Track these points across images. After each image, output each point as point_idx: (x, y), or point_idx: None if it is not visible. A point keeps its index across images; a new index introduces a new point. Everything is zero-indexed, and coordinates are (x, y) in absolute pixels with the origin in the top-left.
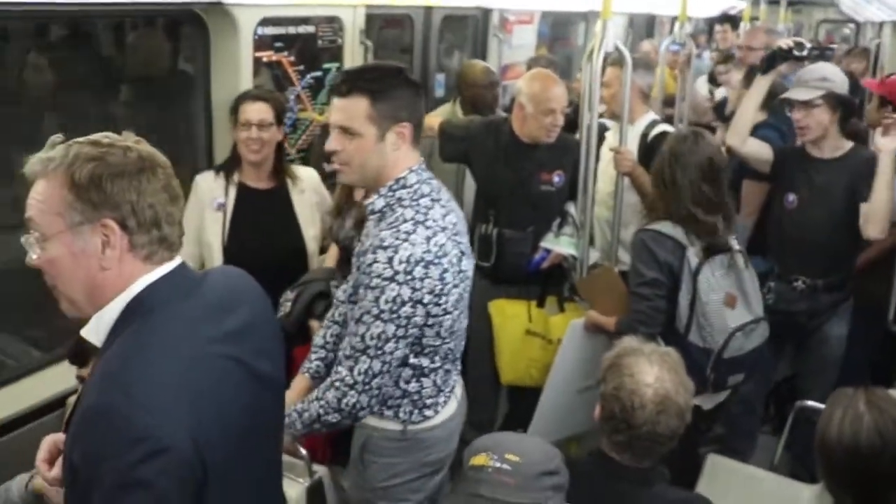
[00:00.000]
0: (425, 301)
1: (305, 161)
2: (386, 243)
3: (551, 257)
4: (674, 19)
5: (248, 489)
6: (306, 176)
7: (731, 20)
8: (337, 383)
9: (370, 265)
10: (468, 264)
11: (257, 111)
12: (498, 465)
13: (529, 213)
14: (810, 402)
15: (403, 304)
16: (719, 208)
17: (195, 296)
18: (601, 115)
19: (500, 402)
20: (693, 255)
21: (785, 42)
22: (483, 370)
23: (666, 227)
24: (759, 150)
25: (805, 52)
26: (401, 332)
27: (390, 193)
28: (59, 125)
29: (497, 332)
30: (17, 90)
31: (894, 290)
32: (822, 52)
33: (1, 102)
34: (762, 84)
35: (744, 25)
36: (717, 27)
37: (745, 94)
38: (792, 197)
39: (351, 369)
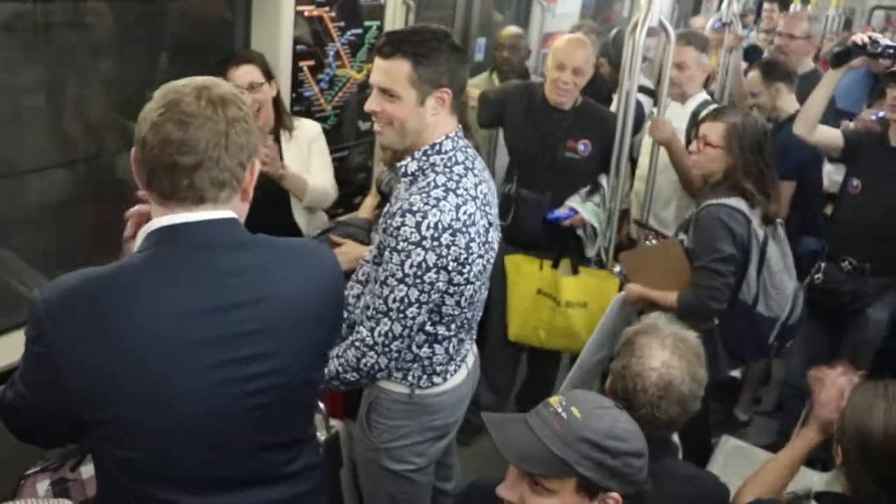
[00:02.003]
0: (450, 268)
1: (342, 118)
2: (415, 208)
3: (574, 218)
4: None
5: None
6: (302, 127)
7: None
8: (357, 343)
9: (397, 228)
10: (495, 236)
11: (244, 74)
12: (560, 410)
13: (550, 178)
14: None
15: (428, 269)
16: (772, 180)
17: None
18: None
19: (519, 368)
20: (758, 228)
21: (860, 37)
22: (504, 334)
23: (731, 200)
24: (830, 138)
25: (879, 50)
26: (423, 297)
27: (424, 158)
28: (99, 76)
29: (510, 287)
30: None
31: None
32: None
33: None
34: (833, 78)
35: (794, 7)
36: (766, 5)
37: (816, 86)
38: (856, 182)
39: (372, 330)
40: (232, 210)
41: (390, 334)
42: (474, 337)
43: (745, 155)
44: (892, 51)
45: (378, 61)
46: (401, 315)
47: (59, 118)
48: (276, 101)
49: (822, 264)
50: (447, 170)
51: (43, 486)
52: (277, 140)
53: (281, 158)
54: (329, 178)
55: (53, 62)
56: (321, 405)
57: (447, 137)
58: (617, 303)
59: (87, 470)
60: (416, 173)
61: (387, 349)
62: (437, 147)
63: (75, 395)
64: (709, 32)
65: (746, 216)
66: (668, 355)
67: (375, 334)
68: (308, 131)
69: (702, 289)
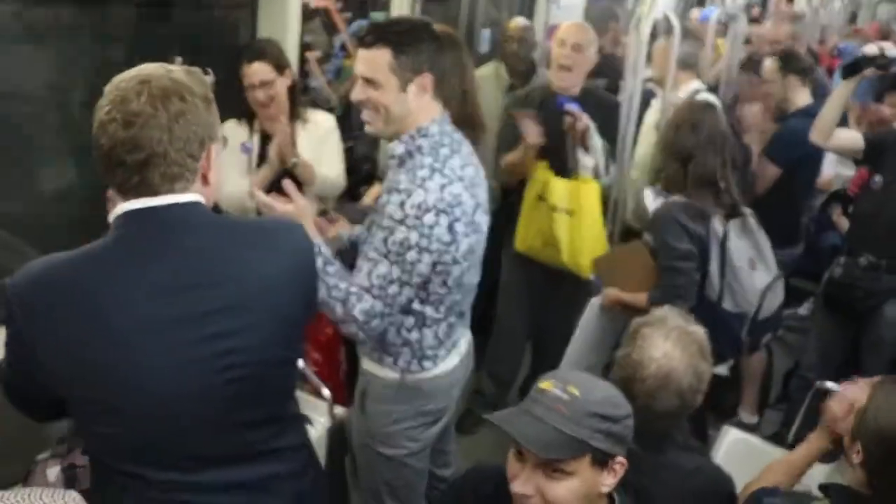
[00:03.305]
0: (432, 249)
1: (350, 107)
2: (401, 186)
3: (580, 117)
4: None
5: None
6: (317, 121)
7: None
8: (340, 315)
9: (383, 206)
10: (482, 218)
11: (255, 73)
12: (559, 392)
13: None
14: (829, 383)
15: (410, 248)
16: (731, 174)
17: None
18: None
19: (523, 361)
20: (717, 223)
21: (870, 49)
22: (509, 324)
23: (686, 196)
24: (849, 142)
25: (885, 62)
26: (405, 276)
27: (411, 140)
28: (112, 62)
29: (525, 193)
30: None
31: None
32: None
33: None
34: (846, 89)
35: None
36: None
37: (830, 95)
38: (878, 178)
39: (353, 306)
40: (195, 194)
41: (371, 311)
42: (467, 323)
43: (684, 143)
44: None
45: (361, 52)
46: (382, 292)
47: (71, 110)
48: (292, 89)
49: (843, 259)
50: (433, 151)
51: (53, 471)
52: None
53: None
54: (339, 168)
55: (68, 59)
56: (326, 392)
57: (433, 122)
58: (594, 307)
59: None
60: (404, 156)
61: (367, 325)
62: (424, 130)
63: (50, 374)
64: (713, 25)
65: (704, 212)
66: (671, 347)
67: (356, 311)
68: (323, 125)
69: (667, 287)
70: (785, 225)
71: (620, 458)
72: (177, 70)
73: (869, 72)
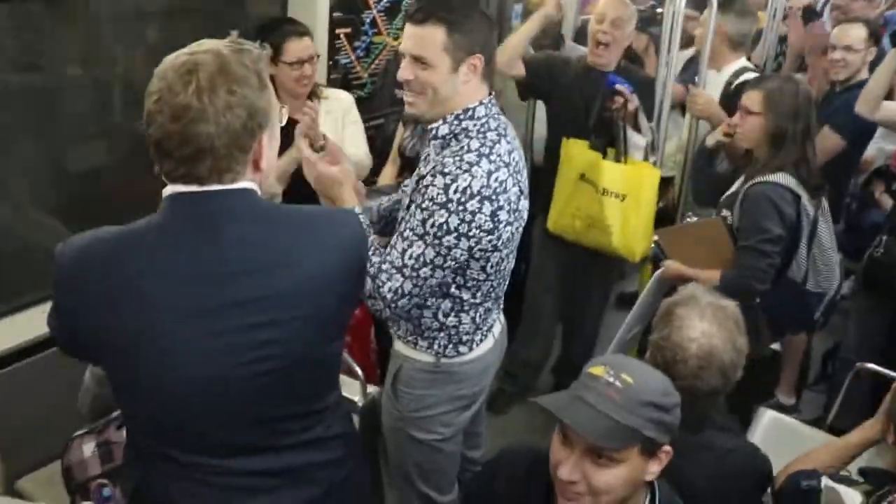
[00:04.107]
0: (471, 234)
1: (379, 85)
2: (447, 170)
3: (630, 97)
4: None
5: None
6: (337, 98)
7: None
8: (368, 290)
9: (426, 187)
10: (525, 204)
11: (307, 48)
12: (611, 380)
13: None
14: (871, 365)
15: (448, 232)
16: (813, 153)
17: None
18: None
19: (553, 344)
20: (808, 204)
21: None
22: (539, 305)
23: (780, 177)
24: None
25: None
26: (439, 260)
27: (456, 122)
28: (128, 38)
29: (559, 172)
30: None
31: None
32: None
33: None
34: (895, 58)
35: None
36: None
37: (879, 65)
38: None
39: (383, 284)
40: (246, 182)
41: (400, 291)
42: (501, 306)
43: (783, 120)
44: None
45: (410, 28)
46: (414, 273)
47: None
48: None
49: (884, 238)
50: (480, 135)
51: (90, 447)
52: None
53: None
54: (364, 147)
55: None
56: (359, 371)
57: (481, 104)
58: (656, 280)
59: None
60: (448, 137)
61: (394, 304)
62: (471, 112)
63: (88, 345)
64: None
65: (796, 193)
66: (708, 325)
67: (385, 289)
68: (342, 102)
69: (746, 269)
70: (831, 203)
71: (667, 447)
72: (228, 52)
73: None
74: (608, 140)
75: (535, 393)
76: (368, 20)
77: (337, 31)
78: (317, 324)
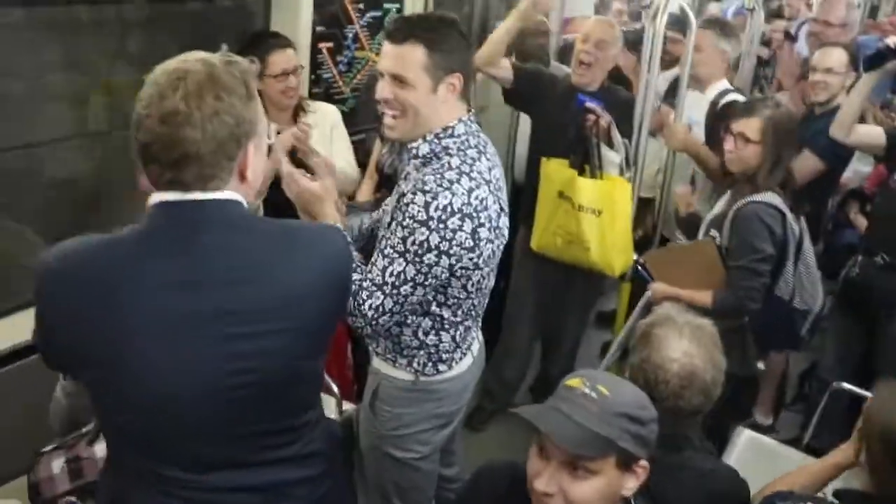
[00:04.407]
0: (451, 252)
1: (361, 100)
2: (427, 187)
3: (601, 113)
4: None
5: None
6: (323, 112)
7: None
8: (349, 308)
9: (407, 205)
10: (505, 221)
11: (290, 59)
12: (588, 391)
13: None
14: (846, 385)
15: (429, 250)
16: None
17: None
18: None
19: (532, 362)
20: (792, 221)
21: (892, 40)
22: (519, 323)
23: (768, 196)
24: (870, 138)
25: None
26: (420, 277)
27: (436, 141)
28: (109, 56)
29: (539, 192)
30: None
31: None
32: None
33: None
34: (868, 81)
35: None
36: None
37: (852, 89)
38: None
39: (363, 302)
40: (231, 192)
41: (381, 308)
42: (479, 325)
43: (782, 147)
44: None
45: (389, 47)
46: (394, 290)
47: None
48: None
49: (859, 258)
50: (461, 153)
51: (58, 463)
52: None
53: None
54: (352, 160)
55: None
56: (335, 388)
57: (460, 121)
58: (644, 304)
59: (102, 448)
60: (429, 156)
61: (374, 322)
62: (451, 131)
63: (67, 353)
64: (731, 19)
65: (782, 211)
66: (688, 344)
67: (365, 307)
68: (329, 116)
69: (740, 289)
70: (811, 223)
71: (644, 462)
72: (218, 62)
73: (891, 65)
74: (584, 157)
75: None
76: (351, 35)
77: (319, 45)
78: (297, 338)
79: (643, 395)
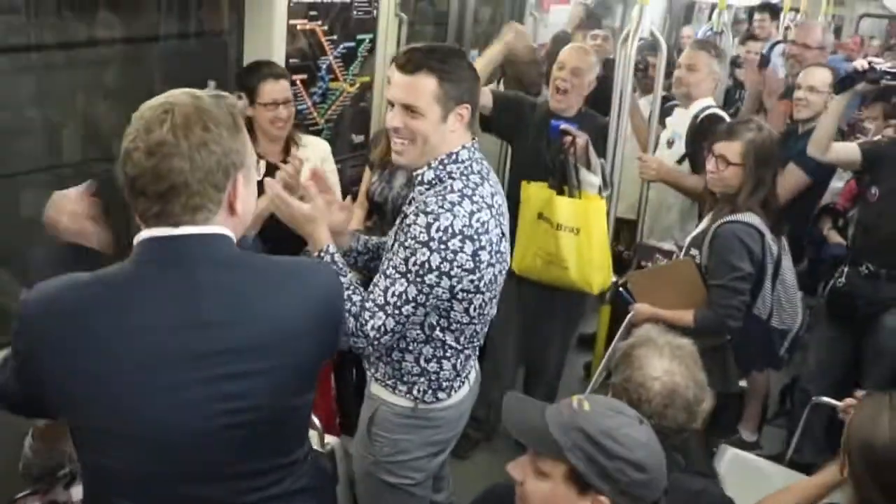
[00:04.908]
0: (453, 274)
1: (336, 131)
2: (429, 209)
3: (577, 134)
4: (713, 6)
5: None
6: (314, 146)
7: (771, 9)
8: (351, 329)
9: (409, 226)
10: (507, 247)
11: (282, 90)
12: (575, 402)
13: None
14: (826, 399)
15: (430, 270)
16: (775, 191)
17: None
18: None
19: (516, 385)
20: (771, 241)
21: (860, 64)
22: (503, 345)
23: (747, 216)
24: (847, 154)
25: (876, 77)
26: (421, 298)
27: (440, 167)
28: (85, 86)
29: (520, 215)
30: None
31: None
32: (894, 77)
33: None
34: (840, 103)
35: (784, 16)
36: (757, 15)
37: (826, 110)
38: (875, 189)
39: (366, 322)
40: (219, 226)
41: (383, 328)
42: (478, 353)
43: (762, 169)
44: (889, 76)
45: (400, 77)
46: (396, 311)
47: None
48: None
49: (846, 269)
50: (464, 177)
51: None
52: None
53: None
54: (339, 194)
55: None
56: (316, 421)
57: (464, 147)
58: (627, 326)
59: (79, 492)
60: (433, 181)
61: (377, 342)
62: (455, 156)
63: (52, 397)
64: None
65: (760, 231)
66: (668, 363)
67: (368, 327)
68: (319, 150)
69: (720, 307)
70: (795, 239)
71: (604, 499)
72: (204, 97)
73: (861, 86)
74: (562, 178)
75: (498, 438)
76: (325, 66)
77: (293, 77)
78: (289, 376)
79: (626, 434)
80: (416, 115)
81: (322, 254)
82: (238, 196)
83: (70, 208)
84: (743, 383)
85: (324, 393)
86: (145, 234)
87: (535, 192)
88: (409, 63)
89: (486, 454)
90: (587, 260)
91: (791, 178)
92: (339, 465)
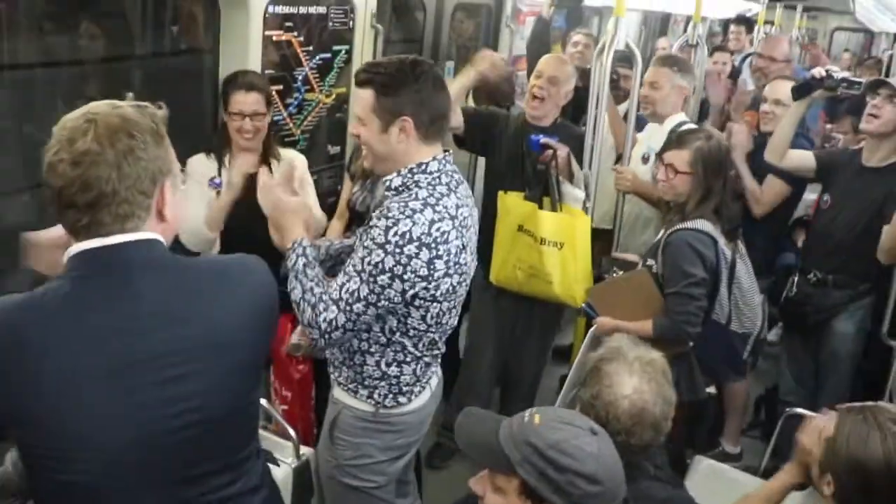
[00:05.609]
0: (405, 278)
1: (312, 142)
2: (390, 214)
3: (557, 148)
4: (688, 19)
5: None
6: (290, 159)
7: (747, 22)
8: (308, 319)
9: (371, 228)
10: (468, 259)
11: (251, 103)
12: (526, 414)
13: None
14: (799, 410)
15: (383, 272)
16: (730, 197)
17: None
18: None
19: (492, 397)
20: (724, 247)
21: (818, 72)
22: (479, 356)
23: (698, 223)
24: (801, 161)
25: (833, 84)
26: (372, 297)
27: (409, 175)
28: (65, 99)
29: (497, 224)
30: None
31: (890, 301)
32: (850, 85)
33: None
34: (797, 109)
35: (758, 29)
36: (732, 28)
37: (783, 117)
38: (827, 197)
39: (318, 315)
40: (150, 232)
41: (334, 322)
42: (438, 362)
43: (711, 177)
44: (846, 84)
45: (354, 89)
46: (348, 307)
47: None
48: (269, 126)
49: (796, 278)
50: (430, 187)
51: None
52: (269, 168)
53: None
54: (317, 207)
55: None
56: (292, 433)
57: (434, 159)
58: (590, 339)
59: None
60: (401, 188)
61: (328, 335)
62: (424, 167)
63: (1, 414)
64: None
65: (712, 237)
66: (638, 381)
67: (321, 319)
68: (297, 164)
69: (677, 314)
70: (768, 250)
71: None
72: (125, 106)
73: (818, 93)
74: (543, 190)
75: None
76: (301, 77)
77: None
78: (235, 372)
79: (575, 446)
80: (362, 124)
81: (296, 245)
82: (166, 202)
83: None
84: (711, 389)
85: (303, 403)
86: (75, 248)
87: (513, 204)
88: (357, 76)
89: (460, 464)
90: (572, 275)
91: (772, 190)
92: (313, 475)
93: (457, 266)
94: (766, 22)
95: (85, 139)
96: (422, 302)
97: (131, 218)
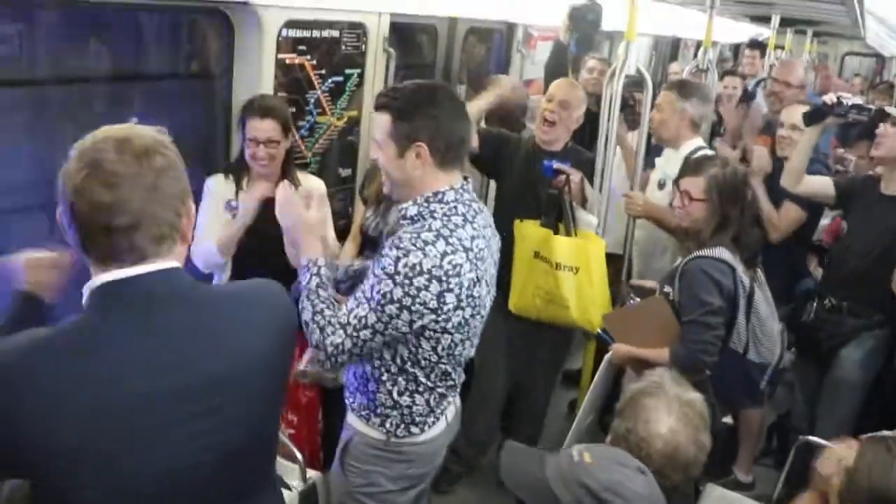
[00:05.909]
0: (413, 309)
1: (323, 164)
2: (402, 244)
3: (570, 173)
4: (699, 44)
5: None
6: (311, 186)
7: (761, 47)
8: (316, 340)
9: (382, 257)
10: (483, 292)
11: (265, 131)
12: (575, 453)
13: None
14: (812, 438)
15: (391, 301)
16: (749, 226)
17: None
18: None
19: (499, 422)
20: (743, 275)
21: (829, 98)
22: (489, 382)
23: (716, 251)
24: (820, 188)
25: (843, 111)
26: (380, 326)
27: (424, 204)
28: (78, 122)
29: (514, 253)
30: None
31: None
32: (860, 111)
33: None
34: (810, 135)
35: (769, 53)
36: (746, 52)
37: (797, 144)
38: (845, 224)
39: (327, 337)
40: (172, 259)
41: (340, 347)
42: (457, 392)
43: (727, 205)
44: (856, 110)
45: (373, 113)
46: (355, 333)
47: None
48: (288, 153)
49: (814, 304)
50: (445, 217)
51: None
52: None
53: None
54: (331, 232)
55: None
56: (299, 456)
57: (451, 188)
58: (605, 365)
59: None
60: (416, 217)
61: (333, 359)
62: (440, 196)
63: (15, 454)
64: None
65: (731, 265)
66: (675, 421)
67: (327, 342)
68: (316, 191)
69: (693, 343)
70: (788, 276)
71: None
72: (144, 127)
73: (830, 119)
74: (557, 216)
75: (480, 472)
76: (313, 100)
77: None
78: (256, 402)
79: (629, 488)
80: (380, 149)
81: (311, 265)
82: (189, 224)
83: (44, 280)
84: (728, 419)
85: (310, 427)
86: (98, 280)
87: (529, 231)
88: (377, 99)
89: (467, 488)
90: (588, 298)
91: (788, 215)
92: (320, 498)
93: (469, 299)
94: (776, 47)
95: (122, 158)
96: (432, 333)
97: (167, 239)
